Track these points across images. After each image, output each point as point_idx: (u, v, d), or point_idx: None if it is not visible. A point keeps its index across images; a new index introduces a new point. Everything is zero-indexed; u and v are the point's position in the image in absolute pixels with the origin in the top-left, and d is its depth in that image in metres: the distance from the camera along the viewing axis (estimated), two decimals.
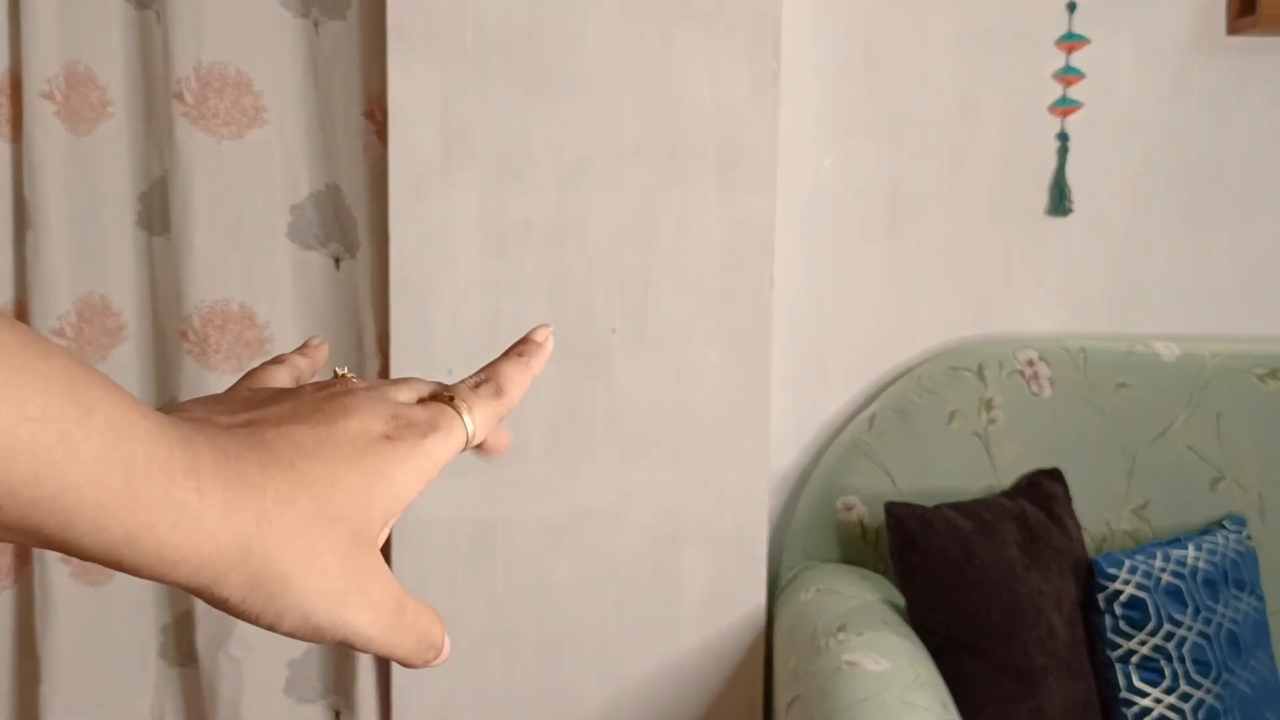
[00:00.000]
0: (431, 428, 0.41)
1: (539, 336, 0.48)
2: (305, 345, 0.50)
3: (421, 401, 0.43)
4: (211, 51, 1.63)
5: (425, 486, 0.41)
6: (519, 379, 0.46)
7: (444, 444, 0.41)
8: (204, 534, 0.34)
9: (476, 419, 0.43)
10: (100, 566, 1.71)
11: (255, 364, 1.85)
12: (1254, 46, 1.72)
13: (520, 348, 0.47)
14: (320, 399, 0.40)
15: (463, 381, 0.44)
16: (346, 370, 0.44)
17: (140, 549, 0.33)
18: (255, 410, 0.39)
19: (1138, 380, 1.67)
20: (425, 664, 0.42)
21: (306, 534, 0.36)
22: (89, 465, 0.30)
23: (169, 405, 0.39)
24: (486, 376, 0.45)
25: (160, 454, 0.33)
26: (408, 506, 0.41)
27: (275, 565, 0.36)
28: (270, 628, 0.37)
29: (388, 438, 0.40)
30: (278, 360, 0.47)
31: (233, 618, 0.38)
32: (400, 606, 0.39)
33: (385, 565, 0.40)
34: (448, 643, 0.42)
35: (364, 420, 0.40)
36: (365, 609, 0.38)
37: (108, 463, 0.31)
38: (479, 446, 0.43)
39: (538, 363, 0.47)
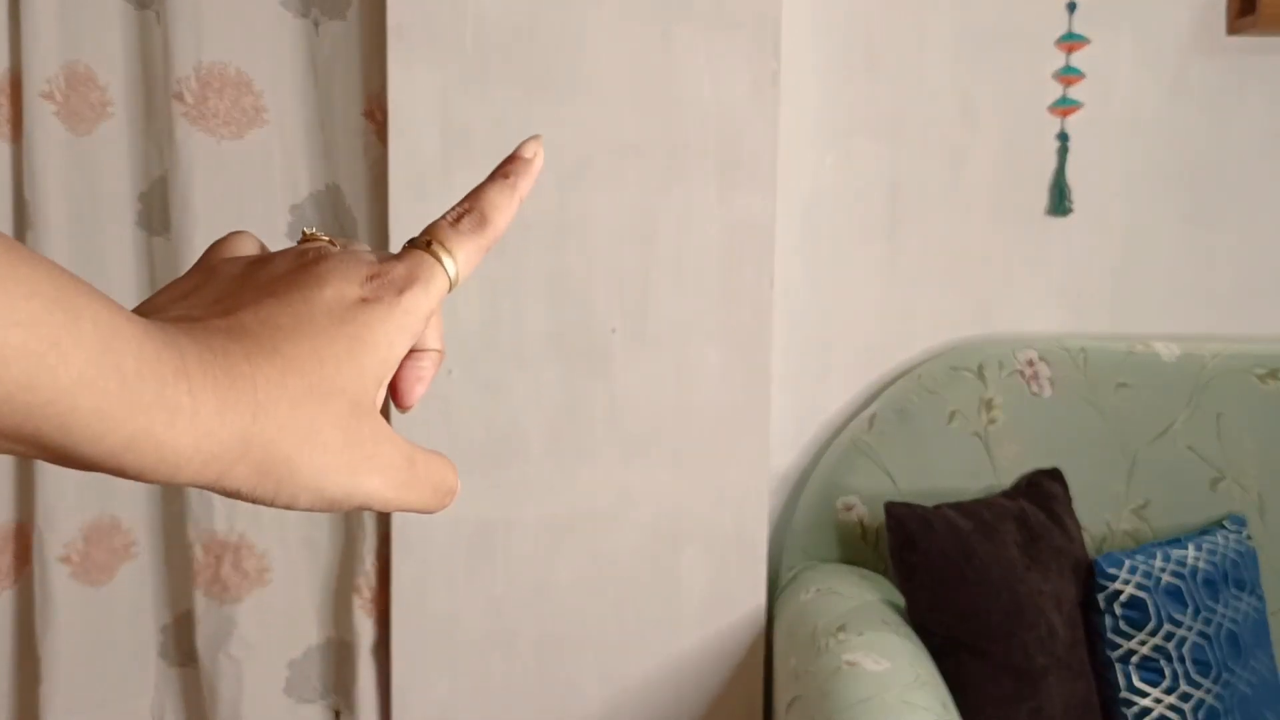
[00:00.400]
0: (409, 280, 0.40)
1: (527, 152, 0.46)
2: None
3: (397, 254, 0.42)
4: (211, 51, 1.63)
5: (415, 337, 0.40)
6: (505, 205, 0.44)
7: (424, 295, 0.40)
8: (201, 432, 0.34)
9: (458, 257, 0.42)
10: (100, 566, 1.71)
11: None
12: (1254, 46, 1.72)
13: (506, 167, 0.45)
14: (293, 270, 0.40)
15: (442, 217, 0.43)
16: (316, 230, 0.43)
17: (141, 453, 0.33)
18: (229, 297, 0.39)
19: (1138, 380, 1.67)
20: (442, 508, 0.42)
21: (303, 414, 0.36)
22: (81, 370, 0.30)
23: (143, 306, 0.39)
24: (469, 206, 0.44)
25: (149, 357, 0.33)
26: (399, 361, 0.40)
27: (278, 451, 0.36)
28: (288, 507, 0.37)
29: (365, 300, 0.39)
30: (236, 233, 0.46)
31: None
32: (410, 462, 0.40)
33: (388, 427, 0.39)
34: (459, 482, 0.42)
35: (338, 286, 0.39)
36: (376, 473, 0.38)
37: (99, 367, 0.31)
38: (393, 392, 0.42)
39: (525, 184, 0.45)
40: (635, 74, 1.57)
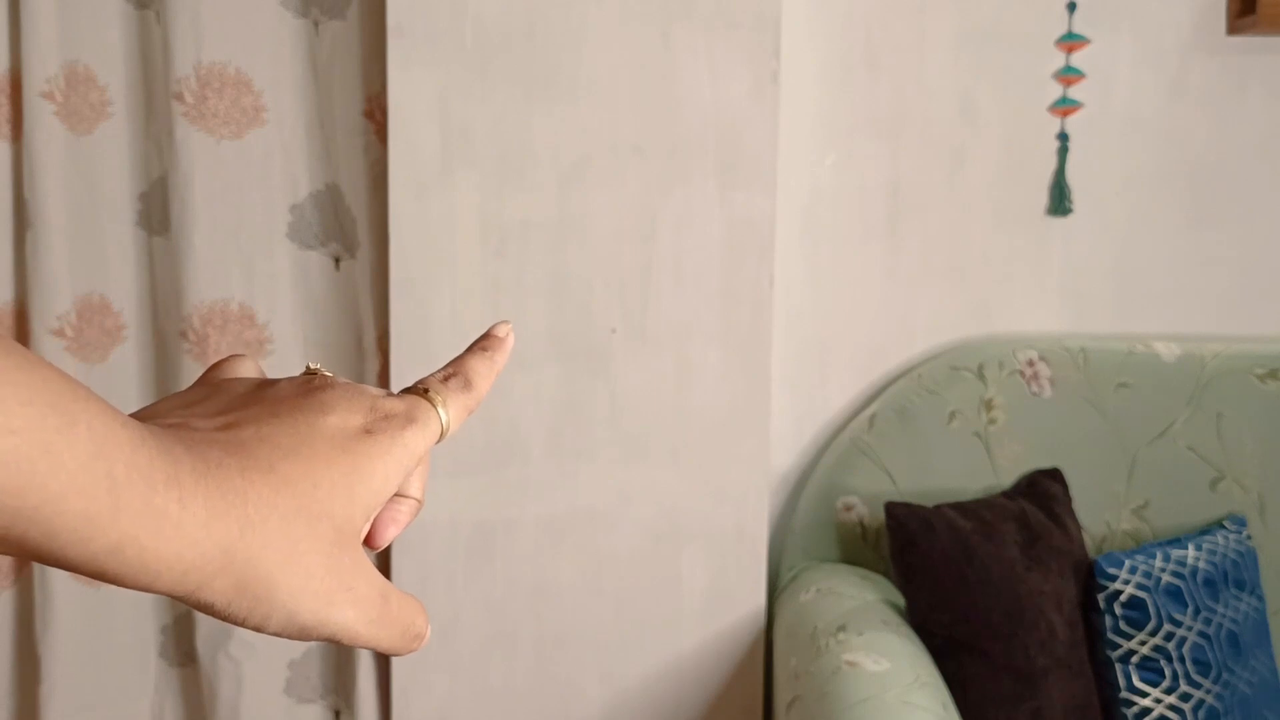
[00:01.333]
0: (409, 420, 0.41)
1: (500, 332, 0.48)
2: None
3: (396, 395, 0.43)
4: (211, 51, 1.63)
5: (403, 479, 0.41)
6: (486, 372, 0.46)
7: (421, 435, 0.41)
8: (187, 542, 0.34)
9: (450, 411, 0.43)
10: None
11: None
12: (1254, 46, 1.72)
13: (484, 343, 0.47)
14: (297, 395, 0.40)
15: (432, 375, 0.45)
16: (319, 366, 0.44)
17: (124, 559, 0.33)
18: (232, 412, 0.39)
19: (1138, 380, 1.67)
20: (409, 652, 0.42)
21: (289, 535, 0.37)
22: (72, 476, 0.31)
23: (144, 411, 0.40)
24: (455, 370, 0.45)
25: (141, 463, 0.33)
26: (389, 497, 0.41)
27: (260, 568, 0.36)
28: (257, 629, 0.37)
29: (367, 432, 0.40)
30: (237, 356, 0.47)
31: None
32: (385, 600, 0.40)
33: (368, 560, 0.40)
34: (429, 629, 0.43)
35: (342, 416, 0.40)
36: (350, 606, 0.38)
37: (90, 473, 0.31)
38: (367, 540, 0.43)
39: (501, 358, 0.47)
40: (635, 74, 1.57)
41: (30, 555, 0.32)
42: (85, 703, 1.73)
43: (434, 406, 0.43)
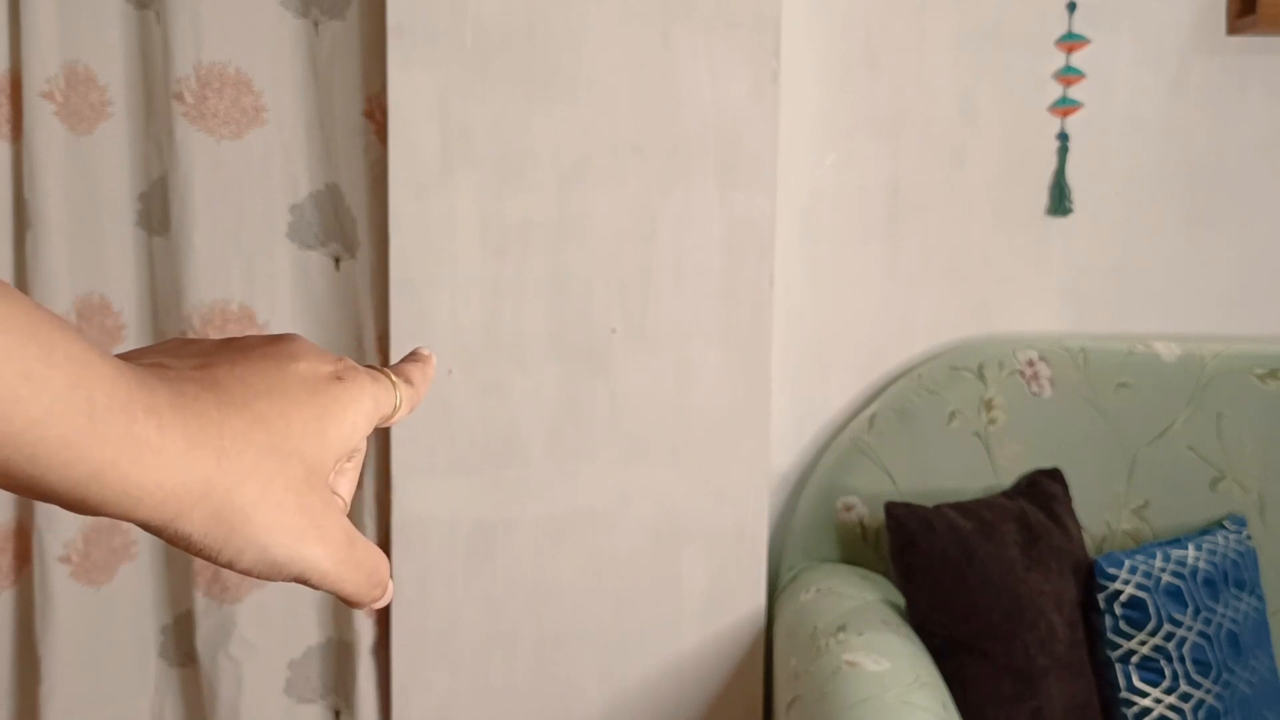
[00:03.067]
0: (374, 379, 0.43)
1: (424, 352, 0.50)
2: None
3: None
4: (211, 51, 1.63)
5: (367, 430, 0.43)
6: (420, 379, 0.48)
7: (385, 396, 0.44)
8: (166, 470, 0.35)
9: (403, 392, 0.45)
10: (100, 566, 1.71)
11: None
12: (1254, 46, 1.72)
13: (412, 356, 0.50)
14: (268, 342, 0.42)
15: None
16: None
17: (106, 484, 0.34)
18: (206, 355, 0.40)
19: (1138, 380, 1.67)
20: (372, 601, 0.43)
21: (263, 470, 0.38)
22: (53, 401, 0.32)
23: (121, 355, 0.41)
24: (399, 371, 0.47)
25: (121, 393, 0.34)
26: (354, 449, 0.42)
27: (236, 500, 0.37)
28: (229, 564, 0.38)
29: (338, 378, 0.42)
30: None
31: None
32: (351, 542, 0.41)
33: (335, 501, 0.41)
34: (391, 584, 0.44)
35: (311, 363, 0.41)
36: (319, 543, 0.39)
37: (70, 400, 0.32)
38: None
39: (430, 370, 0.49)
40: (635, 74, 1.57)
41: (15, 484, 0.33)
42: (85, 703, 1.73)
43: (393, 383, 0.45)
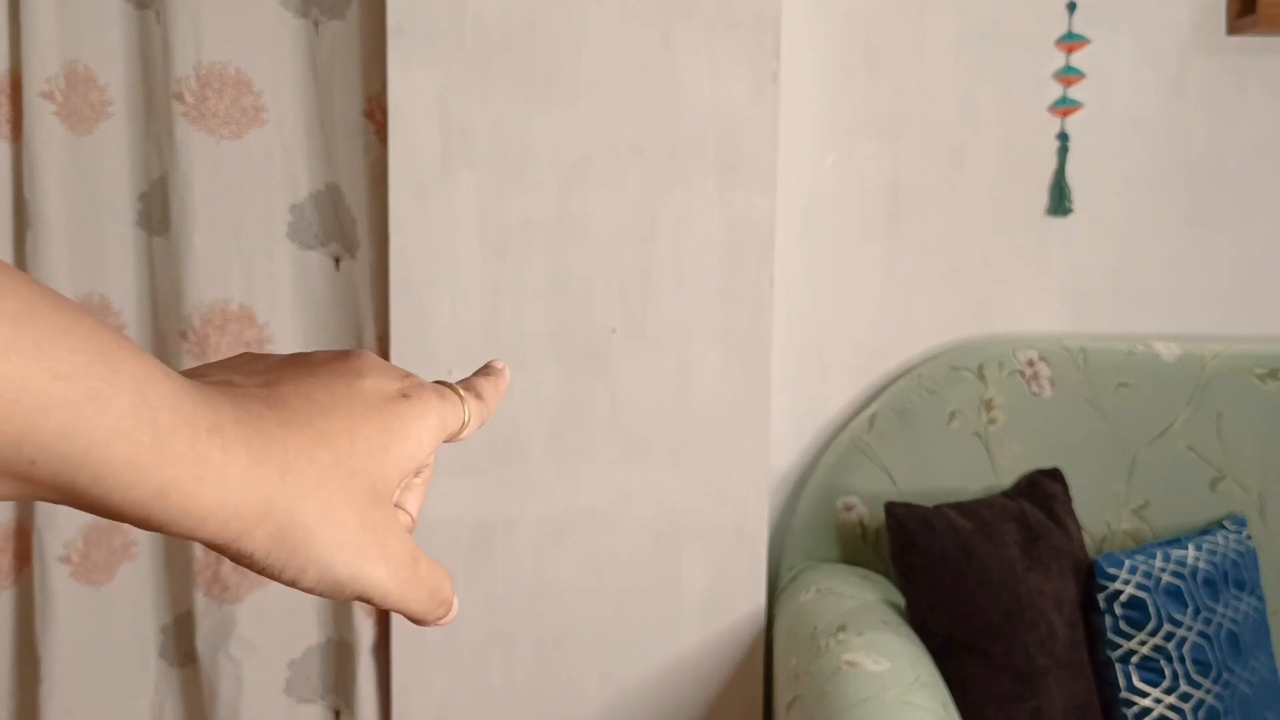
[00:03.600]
0: (441, 395, 0.43)
1: (498, 364, 0.50)
2: None
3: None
4: (211, 51, 1.63)
5: (435, 448, 0.43)
6: (492, 391, 0.47)
7: (452, 413, 0.43)
8: (229, 488, 0.35)
9: (471, 407, 0.45)
10: (100, 566, 1.71)
11: None
12: (1254, 46, 1.72)
13: (485, 370, 0.49)
14: (333, 360, 0.42)
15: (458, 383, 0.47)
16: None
17: (169, 504, 0.34)
18: (271, 373, 0.40)
19: (1138, 380, 1.67)
20: (436, 620, 0.43)
21: (326, 487, 0.38)
22: (118, 421, 0.32)
23: (188, 371, 0.41)
24: (469, 386, 0.47)
25: (185, 411, 0.34)
26: (419, 467, 0.42)
27: (298, 518, 0.37)
28: (292, 583, 0.38)
29: (404, 395, 0.41)
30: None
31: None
32: (415, 561, 0.41)
33: (398, 519, 0.41)
34: (456, 601, 0.44)
35: (377, 380, 0.41)
36: (383, 562, 0.39)
37: (135, 419, 0.32)
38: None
39: (503, 384, 0.49)
40: (635, 74, 1.57)
41: (80, 502, 0.33)
42: (85, 703, 1.73)
43: (461, 400, 0.44)
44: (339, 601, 0.39)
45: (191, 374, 0.40)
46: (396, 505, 0.45)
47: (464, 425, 0.44)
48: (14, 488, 0.32)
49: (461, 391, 0.44)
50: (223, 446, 0.35)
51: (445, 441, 0.44)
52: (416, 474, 0.46)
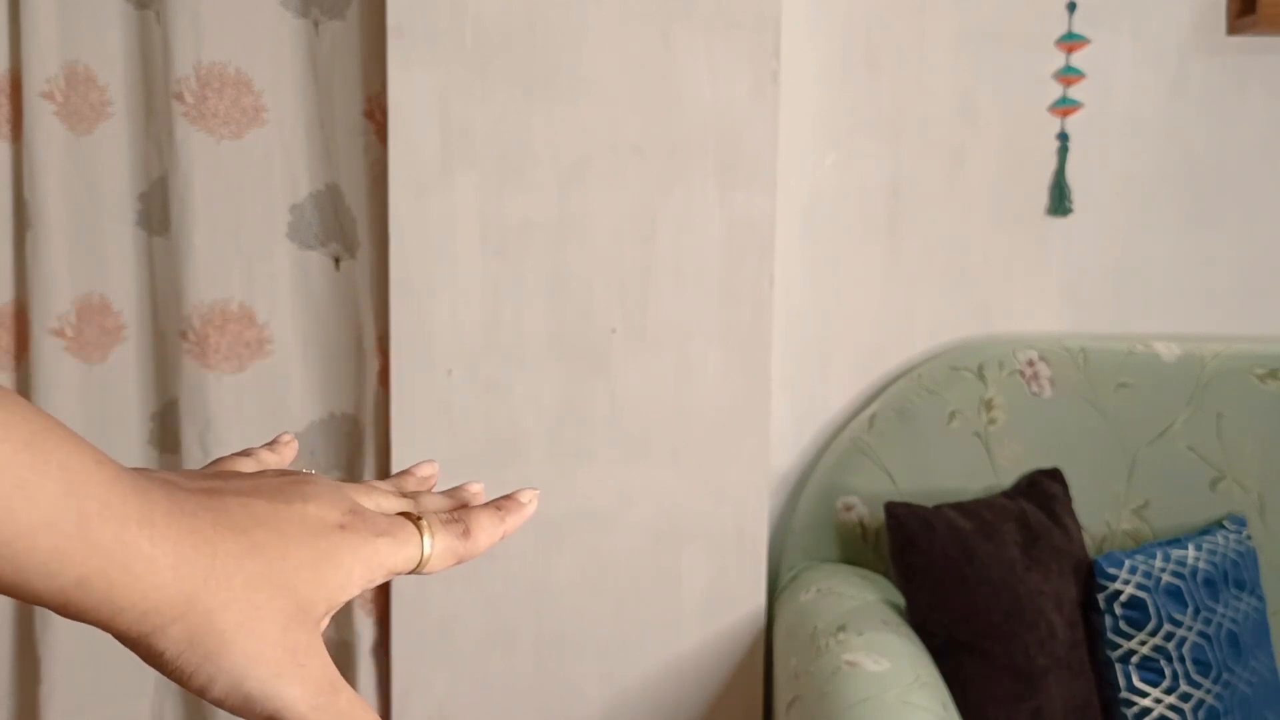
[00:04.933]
0: (384, 532, 0.41)
1: (524, 498, 0.47)
2: (275, 441, 0.50)
3: (384, 512, 0.43)
4: (211, 51, 1.63)
5: (367, 586, 0.41)
6: (490, 530, 0.45)
7: (395, 550, 0.41)
8: (152, 582, 0.34)
9: (437, 545, 0.43)
10: None
11: (255, 364, 1.84)
12: (1254, 46, 1.72)
13: (502, 502, 0.47)
14: (282, 482, 0.41)
15: (439, 506, 0.45)
16: (314, 471, 0.44)
17: (90, 593, 0.33)
18: (218, 479, 0.40)
19: (1138, 380, 1.67)
20: None
21: (251, 599, 0.37)
22: (44, 512, 0.31)
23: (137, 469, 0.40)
24: (459, 517, 0.45)
25: (115, 501, 0.33)
26: (350, 597, 0.41)
27: (217, 623, 0.36)
28: (200, 691, 0.37)
29: (341, 527, 0.40)
30: (245, 453, 0.48)
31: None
32: (335, 690, 0.39)
33: (324, 650, 0.39)
34: None
35: (321, 508, 0.40)
36: (298, 683, 0.38)
37: (62, 509, 0.31)
38: None
39: (514, 522, 0.47)
40: (635, 74, 1.57)
41: (1, 588, 0.32)
42: (85, 703, 1.73)
43: (420, 533, 0.42)
44: None
45: (139, 472, 0.39)
46: (469, 532, 0.44)
47: (423, 561, 0.42)
48: None
49: (427, 527, 0.42)
50: (151, 538, 0.34)
51: (410, 573, 0.43)
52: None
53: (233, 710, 0.37)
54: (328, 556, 0.39)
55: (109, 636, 0.37)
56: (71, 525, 0.32)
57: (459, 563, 0.44)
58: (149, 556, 0.34)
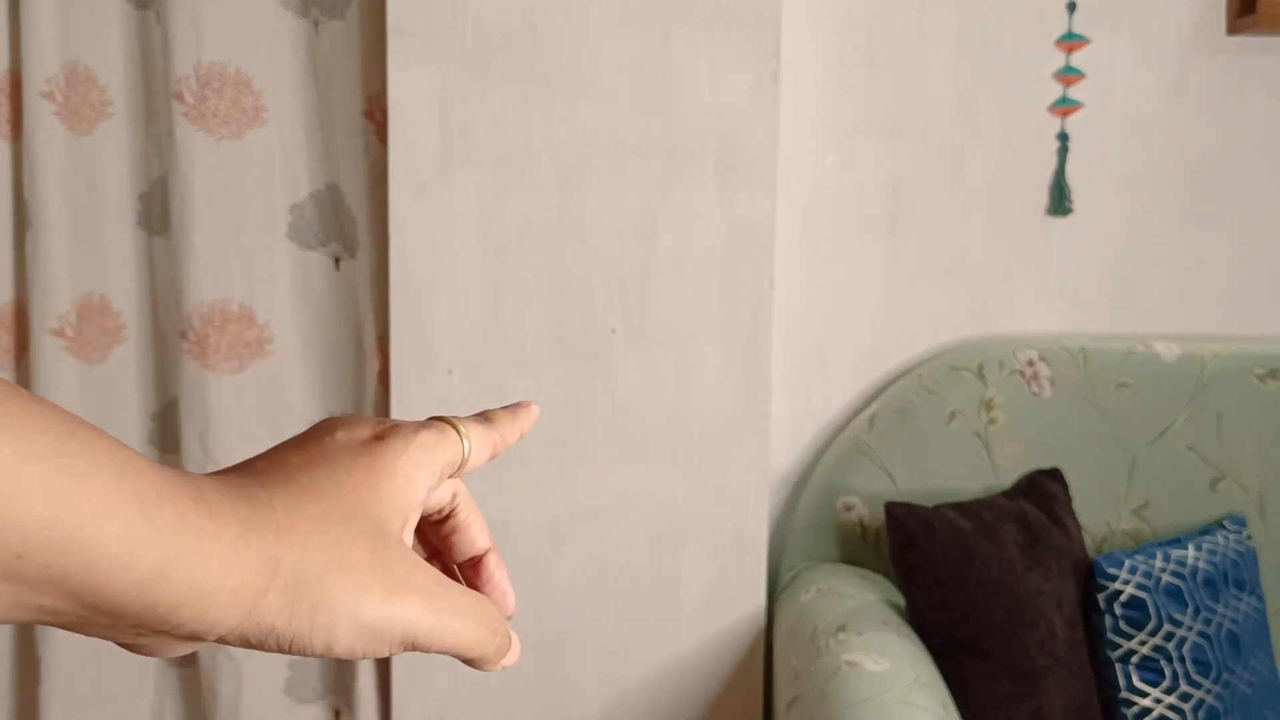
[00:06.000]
0: (422, 427, 0.41)
1: (528, 403, 0.48)
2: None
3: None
4: (211, 51, 1.63)
5: (432, 481, 0.40)
6: (508, 421, 0.46)
7: (439, 443, 0.41)
8: (229, 555, 0.33)
9: (474, 434, 0.43)
10: None
11: (255, 364, 1.84)
12: (1254, 46, 1.72)
13: (511, 406, 0.47)
14: (300, 435, 0.40)
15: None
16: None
17: (172, 583, 0.32)
18: (238, 464, 0.39)
19: (1138, 380, 1.67)
20: (499, 656, 0.41)
21: (326, 534, 0.36)
22: (101, 498, 0.30)
23: None
24: (479, 415, 0.45)
25: (166, 484, 0.32)
26: (422, 502, 0.40)
27: (308, 569, 0.35)
28: (327, 649, 0.35)
29: (378, 438, 0.39)
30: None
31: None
32: (448, 590, 0.39)
33: (418, 557, 0.39)
34: (516, 638, 0.41)
35: (348, 430, 0.40)
36: (412, 595, 0.37)
37: (119, 494, 0.30)
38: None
39: (526, 418, 0.47)
40: (635, 74, 1.57)
41: (76, 598, 0.31)
42: (85, 703, 1.73)
43: (455, 429, 0.42)
44: (386, 656, 0.36)
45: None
46: (473, 551, 0.44)
47: (465, 456, 0.42)
48: (6, 593, 0.29)
49: (457, 421, 0.42)
50: (210, 514, 0.33)
51: (452, 475, 0.42)
52: (449, 513, 0.44)
53: (368, 653, 0.36)
54: (379, 469, 0.38)
55: None
56: (134, 510, 0.31)
57: (493, 457, 0.44)
58: (214, 533, 0.33)
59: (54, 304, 1.66)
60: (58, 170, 1.64)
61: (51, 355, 1.67)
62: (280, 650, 0.35)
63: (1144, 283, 1.77)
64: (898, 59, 1.72)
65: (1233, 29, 1.71)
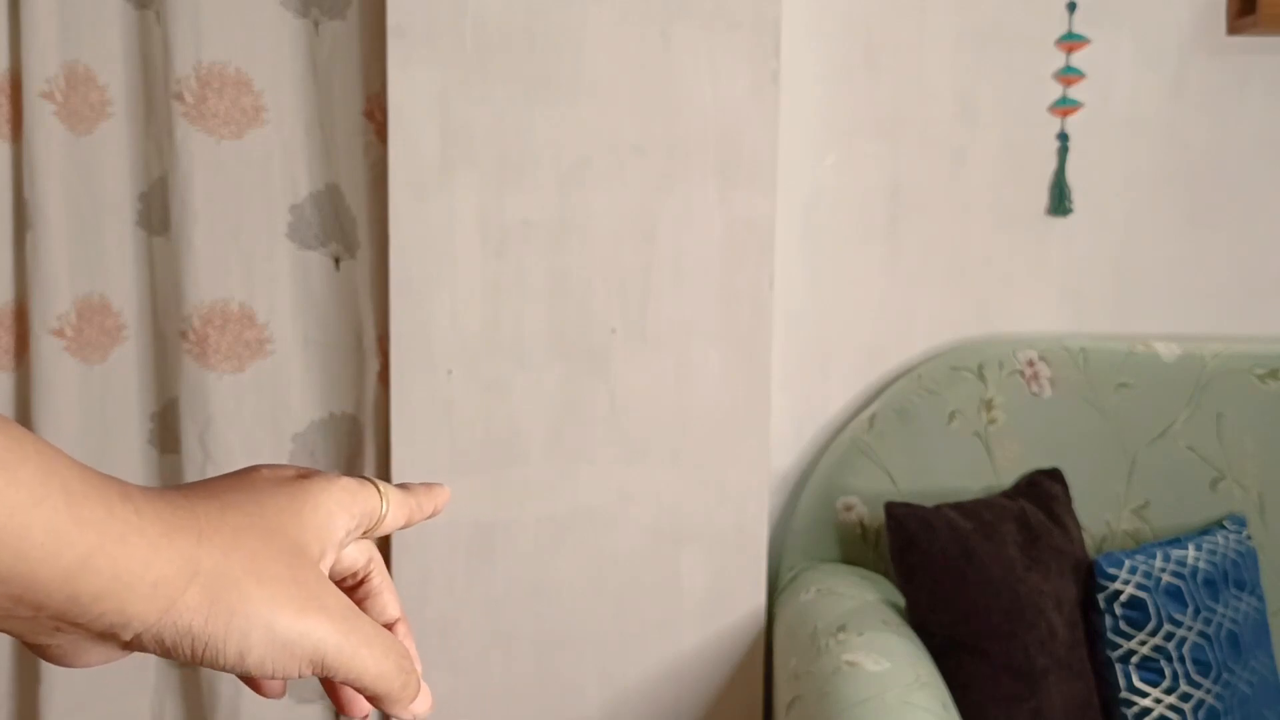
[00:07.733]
0: (343, 476, 0.43)
1: (442, 487, 0.49)
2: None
3: None
4: (211, 51, 1.63)
5: (350, 524, 0.41)
6: (425, 495, 0.47)
7: (360, 489, 0.42)
8: (152, 549, 0.34)
9: (391, 497, 0.44)
10: None
11: (255, 364, 1.84)
12: (1254, 46, 1.72)
13: (427, 483, 0.49)
14: (229, 473, 0.42)
15: None
16: None
17: (96, 572, 0.33)
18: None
19: (1138, 380, 1.67)
20: (408, 697, 0.40)
21: (246, 545, 0.37)
22: (29, 488, 0.31)
23: None
24: (397, 484, 0.47)
25: (93, 481, 0.33)
26: (340, 543, 0.41)
27: (227, 574, 0.36)
28: (238, 659, 0.36)
29: (302, 476, 0.41)
30: None
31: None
32: (358, 616, 0.39)
33: (332, 584, 0.40)
34: (427, 688, 0.42)
35: (272, 470, 0.41)
36: (323, 614, 0.38)
37: (45, 486, 0.32)
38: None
39: (440, 497, 0.48)
40: (635, 74, 1.57)
41: (3, 586, 0.32)
42: (85, 703, 1.73)
43: (373, 484, 0.43)
44: (292, 676, 0.37)
45: None
46: (382, 618, 0.45)
47: (383, 514, 0.43)
48: None
49: (377, 481, 0.44)
50: (136, 510, 0.34)
51: (368, 534, 0.43)
52: (363, 578, 0.44)
53: (277, 667, 0.37)
54: (301, 497, 0.40)
55: None
56: (60, 502, 0.32)
57: (408, 524, 0.45)
58: (139, 527, 0.34)
59: (54, 304, 1.66)
60: (58, 170, 1.64)
61: (51, 355, 1.67)
62: (194, 658, 0.36)
63: (1144, 283, 1.77)
64: (898, 59, 1.72)
65: (1233, 29, 1.71)
